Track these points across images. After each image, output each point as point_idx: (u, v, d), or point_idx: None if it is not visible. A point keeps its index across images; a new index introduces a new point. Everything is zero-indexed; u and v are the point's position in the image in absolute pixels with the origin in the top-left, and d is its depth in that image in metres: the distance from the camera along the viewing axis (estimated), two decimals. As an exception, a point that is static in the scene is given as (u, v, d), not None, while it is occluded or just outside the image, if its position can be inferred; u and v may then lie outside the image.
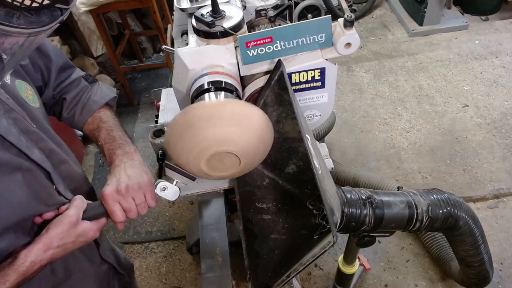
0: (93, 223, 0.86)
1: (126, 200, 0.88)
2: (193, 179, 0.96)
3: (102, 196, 0.86)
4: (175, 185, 0.95)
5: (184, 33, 1.22)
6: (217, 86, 0.95)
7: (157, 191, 0.93)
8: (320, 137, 2.26)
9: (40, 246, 0.77)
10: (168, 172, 0.95)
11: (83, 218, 0.84)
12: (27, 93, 0.88)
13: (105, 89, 1.10)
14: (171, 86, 1.13)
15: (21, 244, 0.79)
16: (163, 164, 0.95)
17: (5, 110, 0.77)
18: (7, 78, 0.82)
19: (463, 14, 3.76)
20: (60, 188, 0.88)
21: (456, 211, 1.08)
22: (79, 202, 0.84)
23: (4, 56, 0.65)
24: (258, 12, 1.18)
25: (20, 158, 0.77)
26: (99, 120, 1.03)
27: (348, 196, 1.00)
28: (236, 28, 0.98)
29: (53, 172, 0.86)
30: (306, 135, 0.83)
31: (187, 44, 1.06)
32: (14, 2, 0.57)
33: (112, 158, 0.94)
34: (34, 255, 0.77)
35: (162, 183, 0.94)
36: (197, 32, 1.00)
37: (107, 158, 0.96)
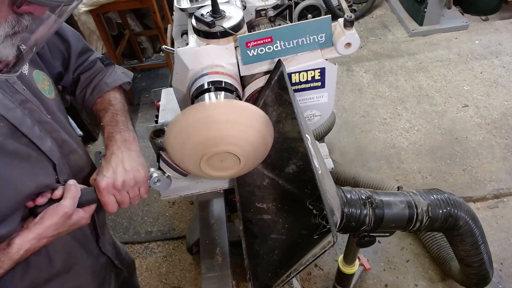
0: (86, 211, 0.87)
1: (121, 194, 0.90)
2: (184, 175, 0.98)
3: (98, 188, 0.87)
4: (167, 177, 0.98)
5: (184, 33, 1.22)
6: (217, 86, 0.95)
7: (151, 183, 0.96)
8: (320, 137, 2.26)
9: (34, 235, 0.79)
10: (163, 165, 0.97)
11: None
12: (44, 83, 0.90)
13: (120, 72, 1.12)
14: (171, 86, 1.13)
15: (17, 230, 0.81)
16: (162, 157, 0.98)
17: (21, 101, 0.78)
18: (25, 69, 0.84)
19: (463, 14, 3.77)
20: (62, 178, 0.88)
21: (456, 211, 1.08)
22: (75, 192, 0.84)
23: (23, 47, 0.70)
24: (258, 12, 1.18)
25: (30, 149, 0.79)
26: (107, 102, 1.05)
27: (348, 196, 1.00)
28: (236, 28, 0.98)
29: (59, 163, 0.87)
30: (306, 135, 0.83)
31: (187, 44, 1.06)
32: None
33: (111, 143, 0.95)
34: (28, 244, 0.78)
35: (156, 176, 0.97)
36: (197, 32, 1.00)
37: (105, 140, 0.97)
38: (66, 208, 0.81)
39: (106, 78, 1.07)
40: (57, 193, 0.84)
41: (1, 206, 0.76)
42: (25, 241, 0.78)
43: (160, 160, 0.97)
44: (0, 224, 0.77)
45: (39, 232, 0.79)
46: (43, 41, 0.76)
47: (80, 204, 0.86)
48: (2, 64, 0.70)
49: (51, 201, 0.83)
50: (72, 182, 0.86)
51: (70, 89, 1.10)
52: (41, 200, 0.82)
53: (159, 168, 0.99)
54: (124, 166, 0.90)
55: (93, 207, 0.90)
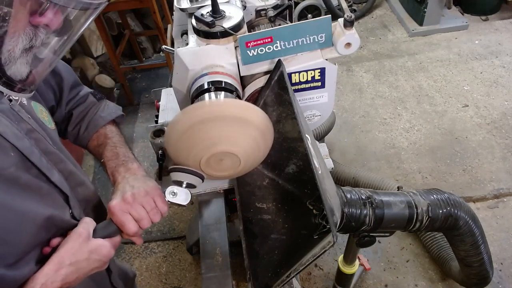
0: (106, 240, 0.80)
1: (135, 209, 0.82)
2: (202, 178, 0.91)
3: (109, 209, 0.82)
4: (185, 188, 0.90)
5: (184, 33, 1.22)
6: (217, 86, 0.95)
7: (168, 197, 0.88)
8: (320, 137, 2.26)
9: (50, 266, 0.71)
10: (176, 175, 0.90)
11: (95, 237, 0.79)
12: (43, 114, 0.86)
13: (113, 106, 1.09)
14: (171, 86, 1.13)
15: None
16: (170, 169, 0.91)
17: (27, 130, 0.75)
18: (24, 99, 0.80)
19: (463, 14, 3.76)
20: (76, 212, 0.84)
21: (456, 211, 1.08)
22: (88, 220, 0.80)
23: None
24: (258, 12, 1.18)
25: (40, 180, 0.75)
26: (104, 136, 1.01)
27: (348, 196, 1.00)
28: (236, 28, 0.98)
29: (71, 195, 0.83)
30: (306, 135, 0.83)
31: (187, 44, 1.06)
32: None
33: (115, 177, 0.90)
34: (44, 277, 0.70)
35: (171, 188, 0.89)
36: (197, 32, 1.00)
37: (110, 176, 0.92)
38: (79, 232, 0.76)
39: (100, 112, 1.04)
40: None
41: (20, 242, 0.70)
42: (40, 273, 0.71)
43: (173, 172, 0.90)
44: (20, 262, 0.71)
45: (55, 260, 0.72)
46: (58, 58, 0.76)
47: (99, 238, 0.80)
48: (19, 83, 0.70)
49: None
50: (87, 217, 0.82)
51: (61, 126, 1.05)
52: (56, 241, 0.76)
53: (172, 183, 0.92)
54: (130, 184, 0.86)
55: (116, 239, 0.83)
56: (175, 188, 0.89)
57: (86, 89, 1.08)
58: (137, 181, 0.87)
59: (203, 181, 0.92)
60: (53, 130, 0.87)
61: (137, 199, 0.83)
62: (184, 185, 0.90)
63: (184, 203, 0.90)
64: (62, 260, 0.73)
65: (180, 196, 0.89)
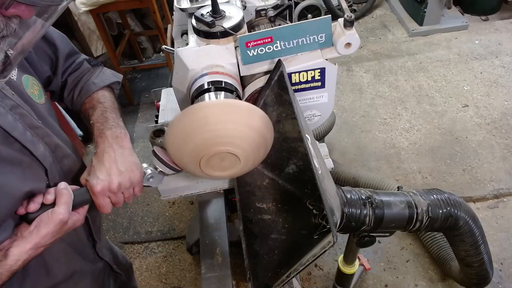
0: (80, 213, 0.85)
1: (117, 196, 0.88)
2: (178, 171, 0.97)
3: (92, 191, 0.84)
4: (159, 173, 0.97)
5: (184, 33, 1.22)
6: (217, 86, 0.95)
7: (144, 180, 0.95)
8: (320, 137, 2.26)
9: (32, 246, 0.76)
10: (155, 161, 0.96)
11: None
12: (33, 88, 0.88)
13: (108, 73, 1.10)
14: (171, 86, 1.13)
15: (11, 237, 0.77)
16: (153, 152, 0.97)
17: (11, 106, 0.77)
18: (13, 75, 0.83)
19: (463, 14, 3.77)
20: (53, 182, 0.85)
21: (456, 211, 1.08)
22: (67, 197, 0.80)
23: (11, 52, 0.70)
24: (258, 12, 1.18)
25: (22, 154, 0.77)
26: (96, 101, 1.02)
27: (348, 196, 1.00)
28: (236, 28, 0.98)
29: (51, 168, 0.85)
30: (306, 135, 0.83)
31: (187, 44, 1.06)
32: None
33: (101, 139, 0.92)
34: (26, 255, 0.76)
35: (150, 173, 0.95)
36: (197, 32, 1.00)
37: (95, 137, 0.94)
38: (61, 215, 0.78)
39: (93, 78, 1.05)
40: (49, 198, 0.80)
41: None
42: (22, 252, 0.75)
43: (153, 157, 0.96)
44: None
45: (36, 241, 0.76)
46: (32, 45, 0.75)
47: (74, 206, 0.83)
48: None
49: (43, 206, 0.79)
50: (63, 185, 0.82)
51: (58, 93, 1.08)
52: (33, 207, 0.78)
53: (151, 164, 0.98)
54: (118, 167, 0.87)
55: (86, 207, 0.87)
56: (153, 173, 0.96)
57: (82, 56, 1.09)
58: (125, 164, 0.89)
59: (177, 172, 0.98)
60: (41, 105, 0.89)
61: (121, 189, 0.88)
62: (158, 171, 0.96)
63: (156, 186, 0.99)
64: (44, 242, 0.78)
65: (155, 180, 0.97)
